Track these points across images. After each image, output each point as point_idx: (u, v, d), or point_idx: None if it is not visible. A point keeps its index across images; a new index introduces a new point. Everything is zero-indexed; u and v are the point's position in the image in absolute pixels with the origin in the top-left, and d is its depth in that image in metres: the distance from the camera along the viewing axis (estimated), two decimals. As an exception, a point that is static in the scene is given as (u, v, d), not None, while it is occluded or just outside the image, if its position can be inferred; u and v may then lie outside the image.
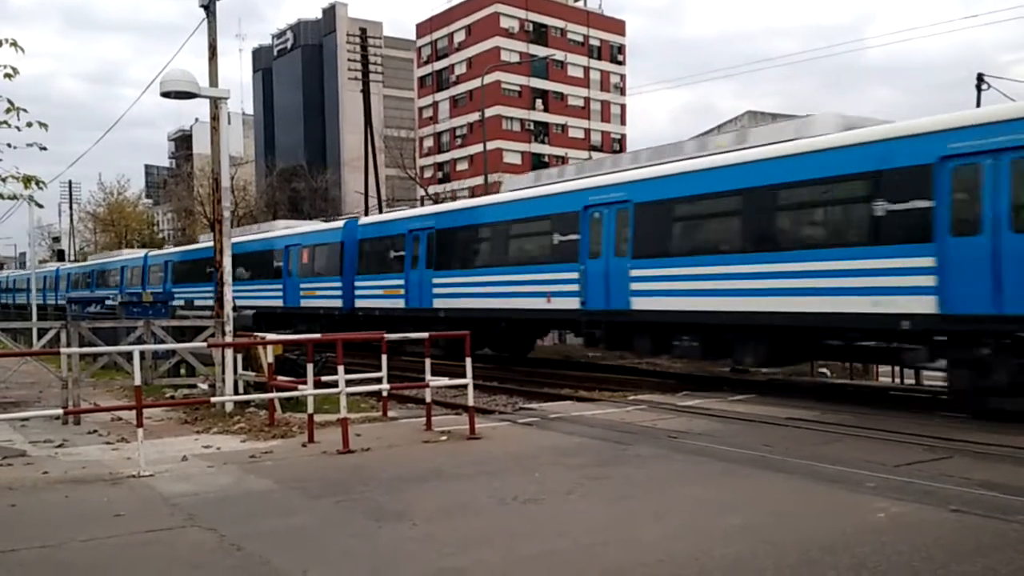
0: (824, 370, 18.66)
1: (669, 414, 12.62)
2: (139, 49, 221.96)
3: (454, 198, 51.78)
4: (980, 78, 30.58)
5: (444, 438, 10.58)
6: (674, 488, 7.96)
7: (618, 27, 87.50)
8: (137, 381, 9.20)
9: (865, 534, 6.22)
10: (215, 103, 13.67)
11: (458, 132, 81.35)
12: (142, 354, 10.12)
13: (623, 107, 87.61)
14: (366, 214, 44.72)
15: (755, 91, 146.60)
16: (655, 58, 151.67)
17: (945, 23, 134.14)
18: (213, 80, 13.94)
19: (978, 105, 27.93)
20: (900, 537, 6.13)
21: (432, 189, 66.55)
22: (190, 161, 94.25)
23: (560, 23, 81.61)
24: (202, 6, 14.15)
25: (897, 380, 18.04)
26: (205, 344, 13.04)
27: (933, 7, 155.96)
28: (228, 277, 13.35)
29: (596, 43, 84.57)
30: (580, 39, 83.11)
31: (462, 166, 78.93)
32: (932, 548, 5.85)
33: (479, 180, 51.27)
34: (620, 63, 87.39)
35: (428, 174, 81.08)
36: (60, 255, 71.16)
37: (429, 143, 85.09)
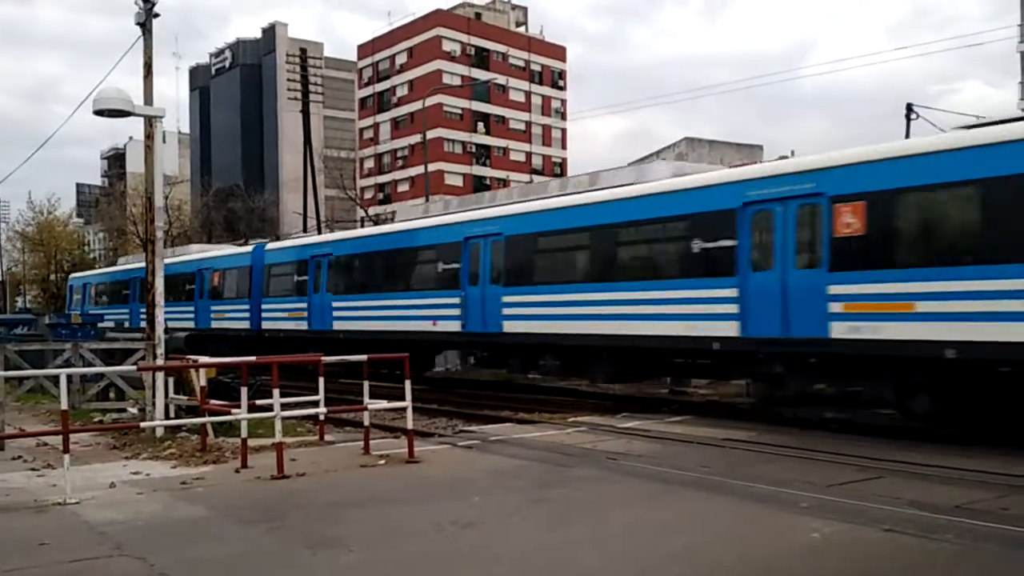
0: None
1: (609, 435, 12.67)
2: (75, 66, 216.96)
3: (394, 220, 51.53)
4: (909, 108, 31.54)
5: (382, 462, 10.44)
6: (614, 510, 7.96)
7: (559, 53, 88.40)
8: (63, 405, 8.89)
9: (800, 554, 6.30)
10: (150, 122, 13.43)
11: (399, 153, 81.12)
12: (69, 377, 9.81)
13: (564, 131, 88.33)
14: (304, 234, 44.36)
15: (694, 118, 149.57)
16: (596, 84, 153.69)
17: (876, 55, 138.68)
18: (148, 98, 13.69)
19: (907, 135, 28.80)
20: (834, 556, 6.22)
21: (373, 210, 66.19)
22: (123, 180, 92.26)
23: (502, 48, 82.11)
24: (138, 23, 13.92)
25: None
26: (135, 367, 12.70)
27: (865, 39, 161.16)
28: (160, 298, 13.05)
29: (537, 68, 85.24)
30: (521, 64, 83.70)
31: (403, 187, 78.67)
32: (865, 567, 5.94)
33: (420, 201, 51.13)
34: (561, 88, 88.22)
35: (369, 195, 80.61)
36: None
37: (370, 164, 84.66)
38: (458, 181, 76.17)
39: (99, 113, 12.30)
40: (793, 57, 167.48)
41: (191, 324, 29.60)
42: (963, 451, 10.70)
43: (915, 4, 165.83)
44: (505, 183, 74.18)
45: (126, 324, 32.17)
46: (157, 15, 13.65)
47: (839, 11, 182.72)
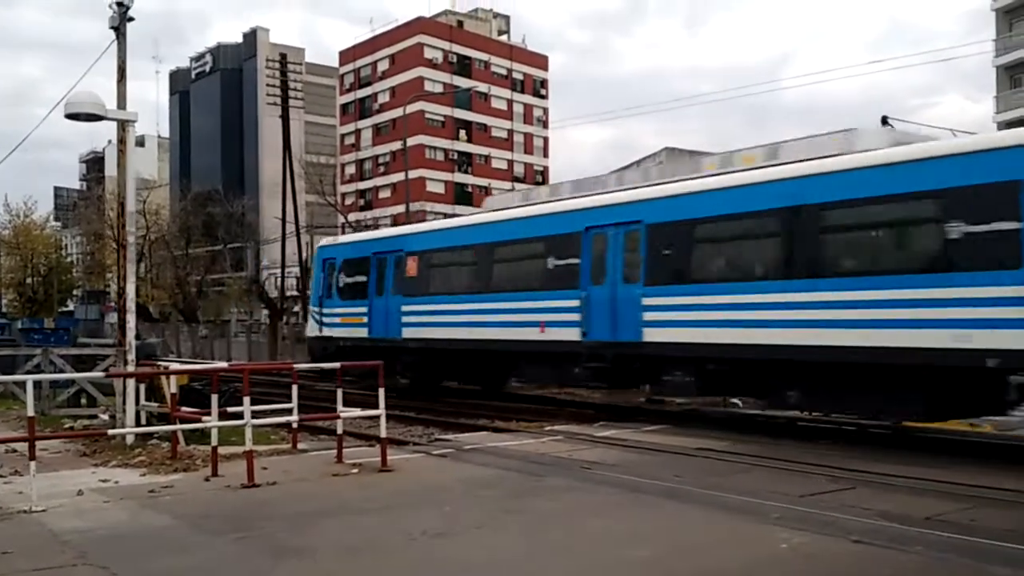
0: (736, 400, 18.94)
1: (584, 444, 12.64)
2: (54, 69, 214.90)
3: (376, 226, 51.46)
4: (884, 120, 31.75)
5: (355, 471, 10.36)
6: (585, 520, 7.93)
7: (541, 62, 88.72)
8: (30, 411, 8.82)
9: (769, 565, 6.29)
10: (122, 126, 13.30)
11: (380, 160, 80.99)
12: (39, 383, 9.69)
13: (546, 140, 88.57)
14: (283, 240, 44.37)
15: (677, 128, 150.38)
16: (579, 94, 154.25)
17: (855, 67, 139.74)
18: (121, 102, 13.55)
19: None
20: (802, 568, 6.22)
21: (353, 216, 65.96)
22: (102, 183, 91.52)
23: (484, 56, 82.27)
24: (112, 28, 13.79)
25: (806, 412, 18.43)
26: (103, 373, 12.55)
27: (845, 53, 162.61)
28: (132, 304, 12.89)
29: (519, 76, 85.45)
30: (504, 72, 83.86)
31: (384, 194, 78.50)
32: (832, 579, 5.94)
33: (401, 208, 51.06)
34: (543, 97, 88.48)
35: (349, 201, 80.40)
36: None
37: (351, 170, 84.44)
38: (440, 188, 76.23)
39: (71, 117, 12.19)
40: (774, 69, 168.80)
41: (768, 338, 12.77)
42: (933, 461, 10.75)
43: (893, 19, 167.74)
44: (487, 190, 74.19)
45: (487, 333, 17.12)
46: (131, 19, 13.53)
47: (820, 25, 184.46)
